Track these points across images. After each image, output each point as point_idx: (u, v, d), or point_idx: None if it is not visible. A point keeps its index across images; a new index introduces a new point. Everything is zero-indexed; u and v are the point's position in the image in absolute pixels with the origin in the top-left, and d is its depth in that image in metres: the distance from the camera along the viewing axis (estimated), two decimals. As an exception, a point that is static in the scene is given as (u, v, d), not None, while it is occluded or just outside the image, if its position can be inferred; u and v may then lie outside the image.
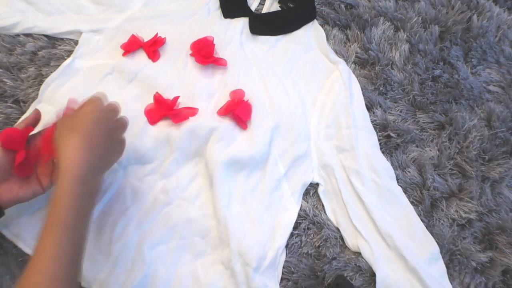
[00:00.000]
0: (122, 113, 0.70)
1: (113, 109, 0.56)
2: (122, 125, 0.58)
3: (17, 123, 0.70)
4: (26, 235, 0.64)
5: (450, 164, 0.73)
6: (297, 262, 0.66)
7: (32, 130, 0.61)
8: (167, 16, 0.81)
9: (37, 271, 0.45)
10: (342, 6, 0.84)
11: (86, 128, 0.50)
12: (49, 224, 0.46)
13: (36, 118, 0.62)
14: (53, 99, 0.72)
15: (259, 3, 0.84)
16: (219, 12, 0.82)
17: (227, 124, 0.71)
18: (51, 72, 0.74)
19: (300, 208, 0.69)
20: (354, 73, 0.78)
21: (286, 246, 0.67)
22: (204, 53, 0.75)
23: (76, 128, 0.50)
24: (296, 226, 0.68)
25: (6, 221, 0.64)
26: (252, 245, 0.64)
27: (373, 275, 0.64)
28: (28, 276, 0.45)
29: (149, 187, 0.68)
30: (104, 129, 0.53)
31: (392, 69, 0.80)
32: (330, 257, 0.66)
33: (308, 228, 0.68)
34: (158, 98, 0.71)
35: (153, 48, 0.76)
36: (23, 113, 0.71)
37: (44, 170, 0.59)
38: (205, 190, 0.68)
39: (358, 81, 0.77)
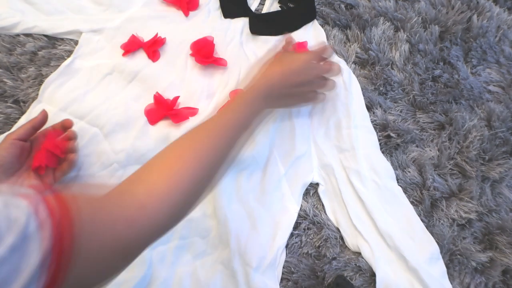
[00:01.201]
0: (122, 113, 0.71)
1: (323, 70, 0.67)
2: (321, 84, 0.68)
3: (18, 123, 0.70)
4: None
5: (450, 164, 0.73)
6: (297, 262, 0.66)
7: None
8: (167, 16, 0.81)
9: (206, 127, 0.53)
10: (342, 6, 0.84)
11: (290, 69, 0.62)
12: (226, 107, 0.56)
13: (43, 120, 0.63)
14: (53, 99, 0.72)
15: (259, 3, 0.84)
16: (219, 12, 0.82)
17: (227, 124, 0.71)
18: (51, 72, 0.74)
19: (300, 208, 0.69)
20: (354, 73, 0.78)
21: (286, 246, 0.67)
22: (204, 53, 0.75)
23: (286, 64, 0.62)
24: (296, 226, 0.68)
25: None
26: (252, 245, 0.64)
27: (373, 275, 0.64)
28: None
29: (149, 187, 0.68)
30: (301, 79, 0.63)
31: (392, 69, 0.80)
32: (330, 257, 0.66)
33: (308, 228, 0.68)
34: (158, 98, 0.71)
35: (153, 48, 0.76)
36: (23, 113, 0.71)
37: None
38: (205, 190, 0.68)
39: (358, 81, 0.77)
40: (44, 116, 0.63)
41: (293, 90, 0.63)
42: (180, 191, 0.44)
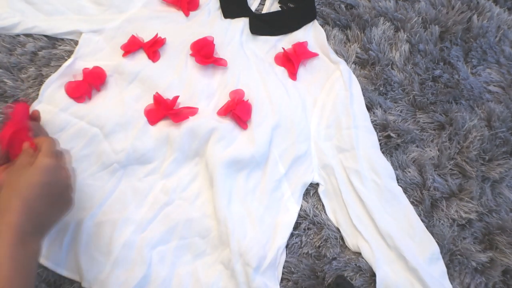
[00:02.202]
0: (122, 113, 0.71)
1: (62, 167, 0.53)
2: (69, 184, 0.54)
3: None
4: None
5: (450, 164, 0.73)
6: (297, 262, 0.66)
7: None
8: (167, 16, 0.81)
9: None
10: (342, 6, 0.84)
11: (29, 193, 0.49)
12: None
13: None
14: (53, 99, 0.72)
15: (259, 3, 0.84)
16: (219, 12, 0.82)
17: (227, 124, 0.71)
18: (52, 72, 0.74)
19: (300, 208, 0.69)
20: (354, 73, 0.78)
21: (286, 246, 0.67)
22: (204, 53, 0.75)
23: (19, 190, 0.49)
24: (296, 226, 0.68)
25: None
26: (252, 245, 0.64)
27: (373, 275, 0.64)
28: None
29: (149, 187, 0.68)
30: (49, 193, 0.51)
31: (392, 69, 0.80)
32: (330, 257, 0.66)
33: (308, 228, 0.68)
34: (157, 98, 0.71)
35: (153, 48, 0.76)
36: (23, 113, 0.71)
37: None
38: (205, 190, 0.69)
39: (358, 81, 0.78)
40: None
41: (54, 207, 0.52)
42: None
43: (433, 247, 0.66)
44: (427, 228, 0.67)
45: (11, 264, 0.44)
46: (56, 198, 0.52)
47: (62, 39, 0.78)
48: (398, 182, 0.71)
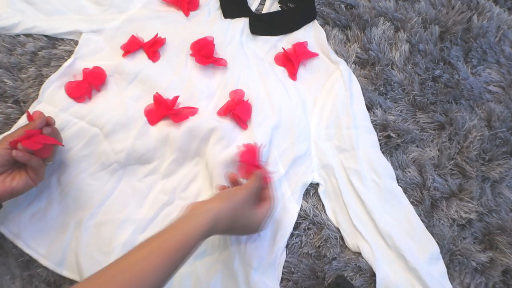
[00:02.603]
0: (122, 113, 0.71)
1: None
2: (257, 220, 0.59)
3: (18, 123, 0.70)
4: (26, 235, 0.64)
5: (450, 164, 0.73)
6: (297, 262, 0.66)
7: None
8: (167, 16, 0.81)
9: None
10: (342, 6, 0.84)
11: (236, 207, 0.56)
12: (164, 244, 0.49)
13: (42, 124, 0.61)
14: (53, 99, 0.72)
15: (259, 3, 0.84)
16: (219, 12, 0.82)
17: (227, 124, 0.71)
18: (51, 72, 0.74)
19: (300, 208, 0.69)
20: (354, 73, 0.78)
21: (286, 246, 0.67)
22: (204, 53, 0.75)
23: (232, 201, 0.56)
24: (296, 226, 0.68)
25: (6, 221, 0.64)
26: (252, 245, 0.64)
27: (373, 275, 0.64)
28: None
29: (149, 187, 0.68)
30: (246, 213, 0.57)
31: (392, 69, 0.80)
32: (330, 257, 0.66)
33: (308, 228, 0.68)
34: (157, 98, 0.71)
35: (153, 48, 0.76)
36: (23, 113, 0.71)
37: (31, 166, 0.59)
38: (205, 190, 0.69)
39: (358, 81, 0.78)
40: (42, 120, 0.61)
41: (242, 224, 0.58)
42: None
43: (433, 247, 0.66)
44: (427, 228, 0.67)
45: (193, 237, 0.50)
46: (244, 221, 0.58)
47: (62, 39, 0.78)
48: (398, 182, 0.71)
